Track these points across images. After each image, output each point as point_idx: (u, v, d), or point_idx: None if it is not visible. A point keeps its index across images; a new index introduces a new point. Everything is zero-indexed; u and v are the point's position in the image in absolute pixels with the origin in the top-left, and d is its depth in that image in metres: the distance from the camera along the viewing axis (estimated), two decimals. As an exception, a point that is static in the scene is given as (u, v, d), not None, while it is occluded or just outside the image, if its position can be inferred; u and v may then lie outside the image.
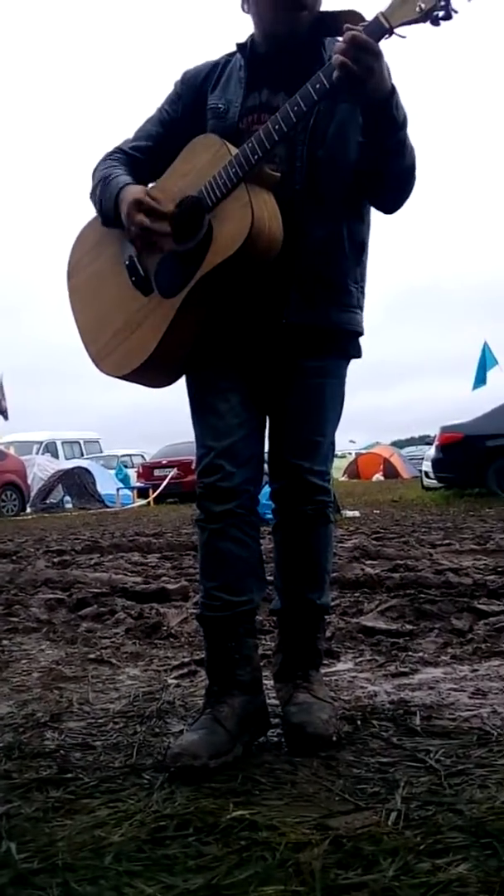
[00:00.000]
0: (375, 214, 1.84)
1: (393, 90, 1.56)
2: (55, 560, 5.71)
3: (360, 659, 2.50)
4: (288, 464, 1.81)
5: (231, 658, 1.72)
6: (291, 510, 1.84)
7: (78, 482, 17.27)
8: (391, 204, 1.79)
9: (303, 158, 1.70)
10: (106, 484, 17.87)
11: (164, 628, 3.03)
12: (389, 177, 1.71)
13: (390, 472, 25.19)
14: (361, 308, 1.84)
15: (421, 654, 2.52)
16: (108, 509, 16.00)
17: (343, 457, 28.30)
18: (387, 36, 1.49)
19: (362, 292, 1.84)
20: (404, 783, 1.45)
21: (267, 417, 1.84)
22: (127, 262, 1.80)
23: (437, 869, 1.13)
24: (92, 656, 2.69)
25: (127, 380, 1.85)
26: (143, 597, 3.75)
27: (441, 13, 1.44)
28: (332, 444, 1.89)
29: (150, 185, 1.82)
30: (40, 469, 17.87)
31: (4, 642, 3.00)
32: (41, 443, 20.68)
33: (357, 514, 9.10)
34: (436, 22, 1.45)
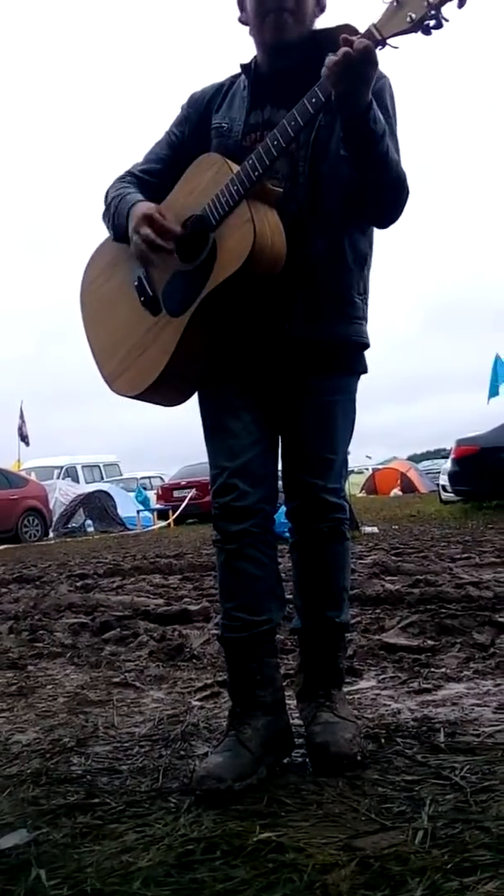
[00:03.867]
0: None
1: (370, 104, 1.56)
2: (78, 584, 5.75)
3: (383, 676, 2.49)
4: (302, 483, 1.82)
5: (253, 679, 1.72)
6: (307, 529, 1.84)
7: (99, 506, 17.37)
8: (383, 217, 1.76)
9: (305, 174, 1.71)
10: (126, 507, 17.94)
11: (187, 650, 3.04)
12: (376, 189, 1.69)
13: (407, 486, 25.11)
14: (366, 319, 1.84)
15: (443, 669, 2.51)
16: (129, 532, 16.06)
17: (360, 472, 28.22)
18: (379, 47, 1.49)
19: (366, 304, 1.84)
20: (430, 801, 1.45)
21: (279, 437, 1.85)
22: (136, 283, 1.83)
23: (466, 888, 1.13)
24: (116, 680, 2.70)
25: (140, 399, 1.86)
26: (166, 619, 3.77)
27: (432, 22, 1.43)
28: (346, 460, 1.89)
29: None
30: (62, 494, 17.98)
31: (30, 668, 3.02)
32: (61, 467, 20.78)
33: (375, 529, 9.06)
34: (427, 31, 1.45)
